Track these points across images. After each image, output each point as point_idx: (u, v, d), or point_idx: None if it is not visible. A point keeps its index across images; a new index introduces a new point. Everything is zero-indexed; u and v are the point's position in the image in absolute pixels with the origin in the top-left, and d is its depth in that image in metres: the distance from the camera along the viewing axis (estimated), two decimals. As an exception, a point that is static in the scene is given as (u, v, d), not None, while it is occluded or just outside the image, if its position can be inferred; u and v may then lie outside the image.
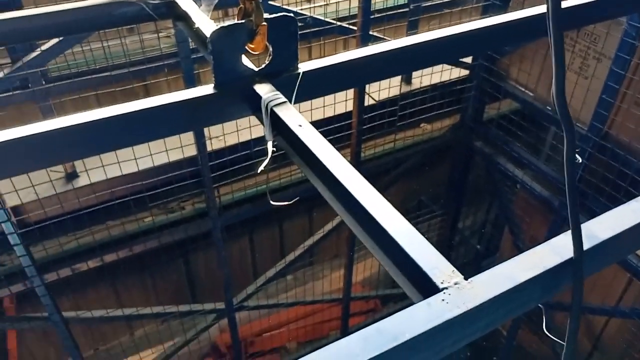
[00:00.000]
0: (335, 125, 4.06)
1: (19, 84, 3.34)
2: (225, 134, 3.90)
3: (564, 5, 1.23)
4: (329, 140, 1.37)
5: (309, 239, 5.15)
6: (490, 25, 1.85)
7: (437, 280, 1.02)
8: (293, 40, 1.60)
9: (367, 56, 1.74)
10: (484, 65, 4.71)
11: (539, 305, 1.15)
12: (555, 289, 1.10)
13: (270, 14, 1.51)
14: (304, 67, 1.65)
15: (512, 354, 5.52)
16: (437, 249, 1.06)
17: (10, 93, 3.23)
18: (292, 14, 1.55)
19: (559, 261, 1.06)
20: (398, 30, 4.27)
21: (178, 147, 3.61)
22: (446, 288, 1.00)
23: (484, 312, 0.99)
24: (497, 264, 1.05)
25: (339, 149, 1.36)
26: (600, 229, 1.15)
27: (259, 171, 1.75)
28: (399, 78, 4.81)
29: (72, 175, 3.76)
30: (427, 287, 1.04)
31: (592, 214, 1.09)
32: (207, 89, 1.56)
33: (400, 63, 1.86)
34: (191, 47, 3.21)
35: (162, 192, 3.78)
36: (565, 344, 1.21)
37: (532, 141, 4.61)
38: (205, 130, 3.70)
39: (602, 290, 4.40)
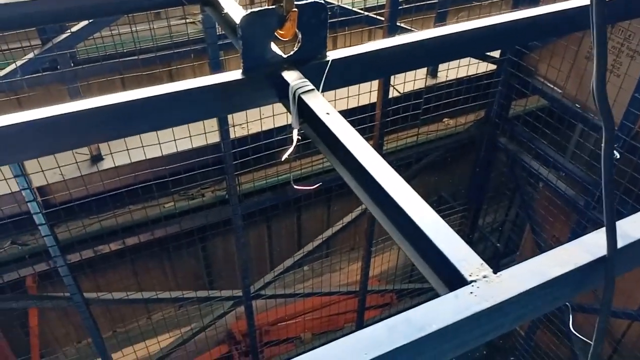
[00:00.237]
0: (358, 117, 4.04)
1: (48, 65, 3.39)
2: (249, 122, 3.90)
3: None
4: (352, 131, 1.36)
5: (327, 230, 5.15)
6: (520, 19, 1.81)
7: (466, 273, 1.01)
8: (323, 27, 1.59)
9: (396, 46, 1.71)
10: (512, 60, 4.62)
11: (566, 303, 1.13)
12: (586, 287, 1.08)
13: (300, 1, 1.49)
14: (332, 55, 1.64)
15: (529, 354, 5.47)
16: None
17: (40, 74, 3.28)
18: (322, 1, 1.54)
19: (590, 259, 1.04)
20: (425, 22, 4.21)
21: (201, 134, 3.63)
22: (474, 281, 0.99)
23: (513, 307, 0.97)
24: (517, 263, 1.03)
25: (361, 140, 1.34)
26: (633, 227, 1.12)
27: (283, 159, 1.75)
28: (424, 71, 4.75)
29: (97, 158, 3.81)
30: (454, 280, 1.02)
31: (620, 215, 1.06)
32: (235, 75, 1.56)
33: (429, 54, 1.83)
34: (218, 34, 3.22)
35: (184, 177, 3.81)
36: (592, 342, 1.19)
37: (559, 139, 4.52)
38: (229, 117, 3.71)
39: (625, 294, 4.31)
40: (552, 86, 4.38)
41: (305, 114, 1.50)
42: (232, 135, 3.81)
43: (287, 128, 3.79)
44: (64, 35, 3.23)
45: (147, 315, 5.43)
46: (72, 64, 3.34)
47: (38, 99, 3.20)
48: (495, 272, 1.00)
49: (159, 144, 3.45)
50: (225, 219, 4.28)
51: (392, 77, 4.17)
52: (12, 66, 3.18)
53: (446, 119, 5.04)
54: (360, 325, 5.85)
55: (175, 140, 3.48)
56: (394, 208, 1.16)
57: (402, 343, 0.87)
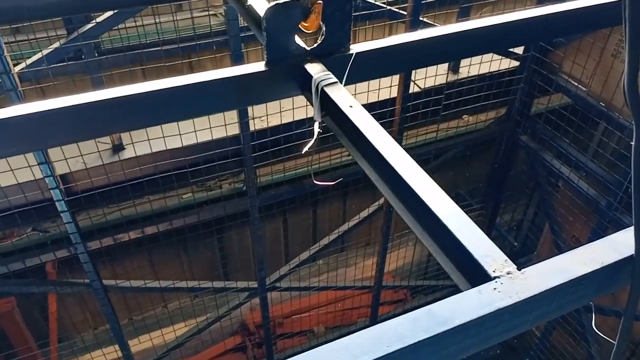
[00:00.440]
0: (378, 111, 4.02)
1: (72, 55, 3.44)
2: (268, 115, 3.91)
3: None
4: (372, 126, 1.35)
5: (343, 225, 5.15)
6: (545, 14, 1.77)
7: (489, 268, 1.00)
8: (347, 20, 1.58)
9: (419, 40, 1.70)
10: (535, 56, 4.55)
11: (590, 302, 1.11)
12: (612, 286, 1.06)
13: (324, -7, 1.48)
14: (356, 48, 1.63)
15: (544, 355, 5.42)
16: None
17: (65, 63, 3.33)
18: (346, -7, 1.53)
19: (617, 258, 1.02)
20: (448, 17, 4.17)
21: (221, 125, 3.65)
22: (498, 277, 0.98)
23: (537, 304, 0.96)
24: (534, 263, 1.01)
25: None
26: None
27: (304, 151, 1.75)
28: (445, 66, 4.71)
29: (118, 147, 3.86)
30: (477, 275, 1.01)
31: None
32: (258, 67, 1.56)
33: (451, 49, 1.82)
34: (241, 26, 3.22)
35: (203, 168, 3.84)
36: (616, 343, 1.17)
37: (582, 138, 4.45)
38: (249, 110, 3.72)
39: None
40: (576, 84, 4.30)
41: (328, 107, 1.50)
42: (251, 128, 3.83)
43: (307, 122, 3.79)
44: (89, 25, 3.27)
45: (163, 304, 5.50)
46: (97, 54, 3.38)
47: (62, 89, 3.25)
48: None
49: (180, 134, 3.48)
50: (243, 210, 4.31)
51: (412, 72, 4.14)
52: (38, 55, 3.23)
53: (465, 116, 4.99)
54: (374, 320, 5.85)
55: (195, 131, 3.50)
56: (417, 202, 1.16)
57: (425, 336, 0.86)
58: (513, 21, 1.75)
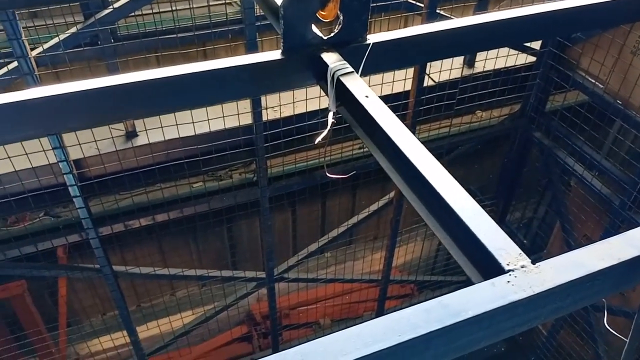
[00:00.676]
0: (392, 104, 3.99)
1: (89, 41, 3.45)
2: (281, 105, 3.91)
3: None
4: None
5: (352, 218, 5.15)
6: (564, 9, 1.75)
7: (503, 261, 0.99)
8: (365, 10, 1.57)
9: (436, 32, 1.69)
10: (552, 52, 4.49)
11: (603, 300, 1.10)
12: (628, 283, 1.05)
13: (344, -19, 1.47)
14: (373, 38, 1.62)
15: (550, 353, 5.39)
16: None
17: (81, 49, 3.34)
18: (365, -17, 1.51)
19: (635, 254, 1.01)
20: (466, 10, 4.13)
21: (234, 115, 3.65)
22: (512, 270, 0.97)
23: (551, 298, 0.96)
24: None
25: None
26: (680, 225, 1.08)
27: (317, 141, 1.74)
28: (461, 60, 4.67)
29: (131, 134, 3.88)
30: (491, 269, 1.01)
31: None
32: (274, 55, 1.55)
33: (469, 42, 1.80)
34: (256, 15, 3.22)
35: (215, 157, 3.85)
36: (628, 340, 1.16)
37: (597, 136, 4.39)
38: (262, 100, 3.72)
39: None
40: (593, 81, 4.24)
41: (343, 97, 1.49)
42: (264, 118, 3.83)
43: (320, 113, 3.78)
44: (106, 11, 3.29)
45: (171, 292, 5.55)
46: (113, 40, 3.39)
47: (77, 74, 3.27)
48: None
49: (192, 123, 3.48)
50: (253, 200, 4.32)
51: (427, 65, 4.11)
52: (55, 40, 3.25)
53: (479, 112, 4.95)
54: (381, 314, 5.85)
55: (208, 120, 3.51)
56: (432, 193, 1.15)
57: (437, 327, 0.86)
58: (531, 15, 1.73)
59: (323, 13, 1.53)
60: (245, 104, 3.72)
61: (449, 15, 3.99)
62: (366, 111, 1.38)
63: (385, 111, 1.37)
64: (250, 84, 1.59)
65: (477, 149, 5.27)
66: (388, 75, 3.90)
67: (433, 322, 0.86)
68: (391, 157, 1.32)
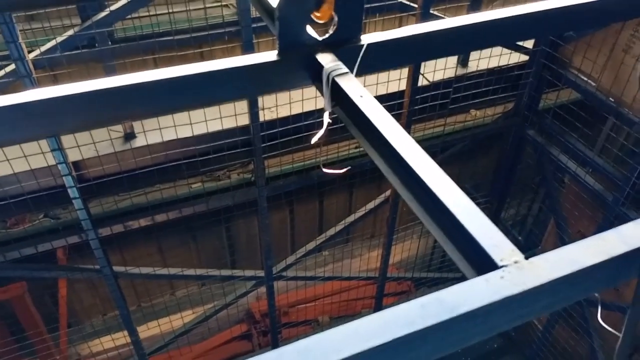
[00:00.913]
0: (386, 104, 4.02)
1: (86, 43, 3.46)
2: (278, 106, 3.93)
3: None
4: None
5: (349, 216, 5.18)
6: (556, 8, 1.77)
7: (497, 257, 1.02)
8: (359, 10, 1.59)
9: (431, 31, 1.71)
10: (545, 51, 4.53)
11: (595, 294, 1.13)
12: (619, 278, 1.07)
13: (338, -18, 1.49)
14: (367, 39, 1.64)
15: (546, 348, 5.43)
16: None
17: (78, 51, 3.36)
18: (359, -15, 1.53)
19: (626, 250, 1.03)
20: (459, 10, 4.16)
21: (232, 116, 3.67)
22: (505, 266, 1.00)
23: (544, 293, 0.98)
24: None
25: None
26: (671, 220, 1.11)
27: (313, 141, 1.76)
28: (454, 59, 4.70)
29: (130, 136, 3.89)
30: (484, 264, 1.03)
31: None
32: (269, 56, 1.57)
33: (463, 41, 1.82)
34: (252, 17, 3.24)
35: (213, 158, 3.87)
36: (621, 335, 1.19)
37: (590, 133, 4.44)
38: (259, 100, 3.74)
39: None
40: (585, 79, 4.28)
41: (338, 97, 1.51)
42: (261, 119, 3.85)
43: (316, 113, 3.81)
44: (103, 14, 3.30)
45: (171, 292, 5.57)
46: (110, 43, 3.40)
47: (75, 76, 3.28)
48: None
49: (190, 124, 3.50)
50: (251, 200, 4.34)
51: (422, 65, 4.14)
52: (52, 42, 3.26)
53: (473, 110, 4.98)
54: (378, 311, 5.88)
55: (206, 121, 3.53)
56: (425, 191, 1.17)
57: (434, 322, 0.88)
58: (524, 14, 1.75)
59: (318, 14, 1.55)
60: (242, 105, 3.74)
61: (442, 16, 4.01)
62: (361, 111, 1.40)
63: (380, 111, 1.39)
64: (247, 85, 1.60)
65: (471, 148, 5.31)
66: (383, 76, 3.93)
67: (429, 318, 0.89)
68: (386, 156, 1.34)
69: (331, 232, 5.16)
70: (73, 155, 3.49)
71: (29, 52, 3.16)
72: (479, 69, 4.58)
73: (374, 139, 1.38)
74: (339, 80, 1.50)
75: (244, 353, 5.83)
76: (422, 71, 4.21)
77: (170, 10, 3.36)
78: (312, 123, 3.78)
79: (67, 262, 4.47)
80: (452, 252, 1.17)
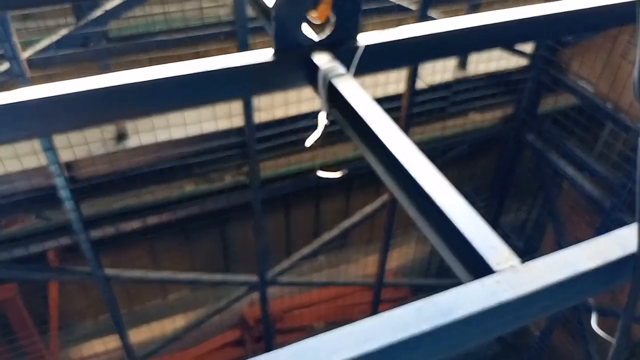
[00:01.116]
0: (384, 107, 4.00)
1: (81, 43, 3.43)
2: (274, 107, 3.91)
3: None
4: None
5: (345, 221, 5.15)
6: (554, 12, 1.77)
7: (492, 261, 1.00)
8: (356, 11, 1.57)
9: (429, 33, 1.69)
10: (543, 55, 4.53)
11: (589, 299, 1.11)
12: (614, 282, 1.06)
13: (336, -17, 1.48)
14: (365, 40, 1.62)
15: (545, 353, 5.41)
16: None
17: (73, 51, 3.33)
18: (357, -15, 1.52)
19: (620, 254, 1.02)
20: (457, 13, 4.16)
21: (227, 116, 3.65)
22: (501, 270, 0.98)
23: (539, 297, 0.96)
24: None
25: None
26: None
27: (308, 144, 1.74)
28: (453, 63, 4.69)
29: (122, 136, 3.86)
30: (480, 268, 1.01)
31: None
32: (265, 55, 1.55)
33: (461, 43, 1.81)
34: (249, 17, 3.22)
35: (208, 160, 3.84)
36: (614, 341, 1.17)
37: (588, 138, 4.44)
38: (255, 101, 3.72)
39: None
40: (583, 84, 4.29)
41: (335, 99, 1.49)
42: (256, 120, 3.82)
43: (313, 115, 3.78)
44: (97, 13, 3.27)
45: (163, 295, 5.52)
46: (105, 42, 3.38)
47: (69, 76, 3.25)
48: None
49: (185, 125, 3.48)
50: (245, 202, 4.31)
51: (420, 68, 4.12)
52: (47, 41, 3.23)
53: (472, 114, 4.97)
54: (374, 317, 5.85)
55: (201, 122, 3.50)
56: (421, 194, 1.16)
57: (429, 326, 0.86)
58: (522, 17, 1.74)
59: (315, 15, 1.54)
60: (237, 106, 3.72)
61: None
62: (358, 113, 1.38)
63: (378, 113, 1.38)
64: (241, 85, 1.58)
65: (470, 151, 5.30)
66: (381, 78, 3.92)
67: (424, 321, 0.87)
68: (382, 158, 1.32)
69: (327, 237, 5.13)
70: (65, 156, 3.45)
71: (23, 51, 3.13)
72: (477, 72, 4.57)
73: (371, 141, 1.36)
74: (335, 81, 1.48)
75: (237, 359, 5.77)
76: (420, 74, 4.20)
77: (166, 10, 3.34)
78: (309, 125, 3.76)
79: (59, 264, 4.43)
80: (447, 256, 1.15)
